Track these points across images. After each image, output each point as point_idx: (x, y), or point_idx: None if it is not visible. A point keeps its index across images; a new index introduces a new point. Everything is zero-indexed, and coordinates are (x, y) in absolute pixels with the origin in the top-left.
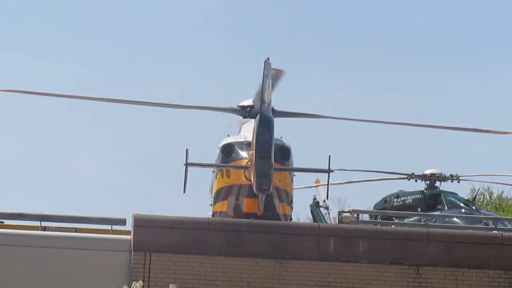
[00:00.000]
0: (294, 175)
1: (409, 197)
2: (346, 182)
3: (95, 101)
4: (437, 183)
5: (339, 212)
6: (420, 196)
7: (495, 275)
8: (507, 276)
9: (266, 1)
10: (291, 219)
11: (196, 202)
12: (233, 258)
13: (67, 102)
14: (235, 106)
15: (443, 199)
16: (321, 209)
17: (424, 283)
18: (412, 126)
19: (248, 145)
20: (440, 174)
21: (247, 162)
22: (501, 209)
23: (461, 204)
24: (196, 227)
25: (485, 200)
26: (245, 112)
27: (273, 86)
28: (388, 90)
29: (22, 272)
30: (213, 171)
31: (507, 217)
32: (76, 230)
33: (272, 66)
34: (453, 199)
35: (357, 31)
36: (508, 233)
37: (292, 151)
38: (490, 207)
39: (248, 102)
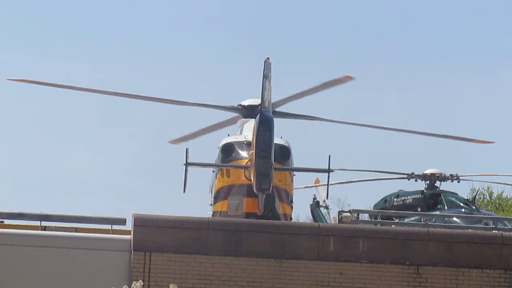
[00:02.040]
0: (294, 175)
1: (409, 197)
2: (346, 182)
3: (97, 94)
4: (437, 183)
5: (339, 212)
6: (420, 196)
7: (495, 275)
8: (507, 276)
9: (266, 1)
10: (291, 219)
11: (196, 202)
12: (233, 258)
13: (66, 102)
14: (235, 105)
15: (443, 199)
16: (321, 209)
17: (424, 283)
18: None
19: (248, 144)
20: (440, 174)
21: (247, 162)
22: (501, 209)
23: (461, 204)
24: (196, 227)
25: (485, 200)
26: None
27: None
28: (387, 89)
29: (22, 272)
30: (213, 171)
31: (507, 217)
32: (76, 229)
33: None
34: (453, 199)
35: (357, 30)
36: (508, 233)
37: (292, 151)
38: (490, 207)
39: (249, 101)
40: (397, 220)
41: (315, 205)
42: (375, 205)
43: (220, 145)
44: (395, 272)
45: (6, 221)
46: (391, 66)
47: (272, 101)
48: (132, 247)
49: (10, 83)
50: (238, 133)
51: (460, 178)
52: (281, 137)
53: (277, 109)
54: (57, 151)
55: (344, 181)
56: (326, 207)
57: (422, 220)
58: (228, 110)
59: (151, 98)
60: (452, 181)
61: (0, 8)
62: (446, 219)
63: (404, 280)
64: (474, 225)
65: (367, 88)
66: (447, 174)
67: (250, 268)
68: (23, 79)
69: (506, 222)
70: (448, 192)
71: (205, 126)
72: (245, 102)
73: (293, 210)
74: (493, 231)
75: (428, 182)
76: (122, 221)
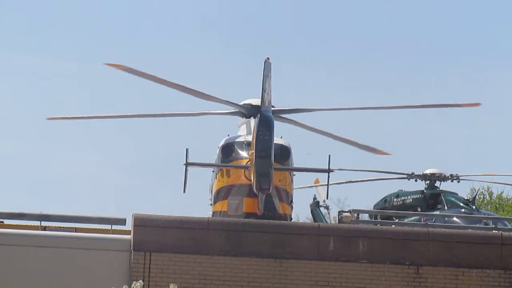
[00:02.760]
0: (294, 175)
1: (409, 197)
2: (346, 182)
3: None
4: (437, 183)
5: (339, 212)
6: (420, 196)
7: (495, 275)
8: (507, 276)
9: (266, 1)
10: (291, 219)
11: (196, 202)
12: (233, 258)
13: (67, 102)
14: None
15: (443, 199)
16: (321, 209)
17: (424, 283)
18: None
19: (248, 144)
20: (440, 174)
21: (247, 162)
22: (501, 209)
23: (461, 204)
24: (196, 227)
25: (485, 200)
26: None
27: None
28: (387, 89)
29: (22, 272)
30: (213, 171)
31: (507, 217)
32: (76, 230)
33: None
34: (453, 199)
35: (357, 31)
36: (508, 233)
37: (292, 151)
38: (490, 207)
39: (250, 101)
40: (397, 220)
41: (315, 205)
42: (375, 205)
43: (220, 145)
44: (395, 272)
45: (6, 221)
46: (391, 66)
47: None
48: (132, 247)
49: (9, 83)
50: (238, 133)
51: (460, 178)
52: (281, 137)
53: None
54: (57, 151)
55: (344, 181)
56: (326, 207)
57: (422, 220)
58: (229, 108)
59: (162, 80)
60: (452, 181)
61: (0, 8)
62: (446, 219)
63: (404, 280)
64: (474, 225)
65: (366, 88)
66: (447, 174)
67: (250, 268)
68: (121, 65)
69: (506, 222)
70: (448, 192)
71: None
72: (245, 102)
73: (293, 210)
74: (493, 231)
75: (428, 182)
76: (122, 221)
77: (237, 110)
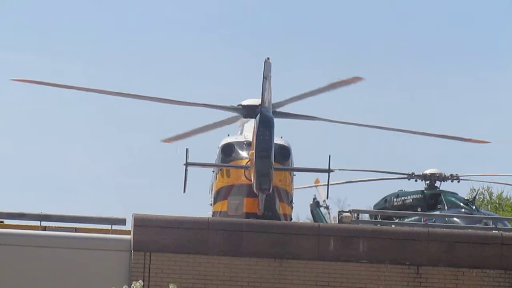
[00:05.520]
0: (294, 175)
1: (409, 197)
2: (346, 182)
3: (97, 93)
4: (437, 183)
5: (339, 212)
6: (420, 196)
7: (495, 275)
8: (507, 276)
9: (266, 1)
10: (291, 219)
11: (196, 202)
12: (233, 258)
13: (67, 101)
14: (235, 105)
15: (443, 199)
16: (321, 209)
17: (424, 283)
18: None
19: (248, 144)
20: (440, 174)
21: (247, 162)
22: (501, 209)
23: (461, 204)
24: (196, 227)
25: (485, 200)
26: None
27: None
28: (387, 89)
29: (22, 272)
30: (213, 171)
31: (507, 217)
32: (76, 230)
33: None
34: (453, 199)
35: (357, 31)
36: (508, 233)
37: (292, 151)
38: (490, 207)
39: (249, 101)
40: (397, 220)
41: (315, 205)
42: (375, 205)
43: (220, 145)
44: (395, 272)
45: (6, 221)
46: (391, 66)
47: (276, 100)
48: (132, 247)
49: (10, 83)
50: (238, 133)
51: (460, 178)
52: (281, 137)
53: (278, 109)
54: (57, 151)
55: (344, 181)
56: (326, 207)
57: (422, 220)
58: (228, 110)
59: (152, 98)
60: (452, 181)
61: (1, 8)
62: (446, 219)
63: (404, 280)
64: (474, 225)
65: (366, 87)
66: (447, 174)
67: (250, 268)
68: (26, 79)
69: (506, 222)
70: (448, 192)
71: (201, 125)
72: (245, 102)
73: (293, 210)
74: (493, 231)
75: (428, 182)
76: (122, 221)
77: (237, 110)
